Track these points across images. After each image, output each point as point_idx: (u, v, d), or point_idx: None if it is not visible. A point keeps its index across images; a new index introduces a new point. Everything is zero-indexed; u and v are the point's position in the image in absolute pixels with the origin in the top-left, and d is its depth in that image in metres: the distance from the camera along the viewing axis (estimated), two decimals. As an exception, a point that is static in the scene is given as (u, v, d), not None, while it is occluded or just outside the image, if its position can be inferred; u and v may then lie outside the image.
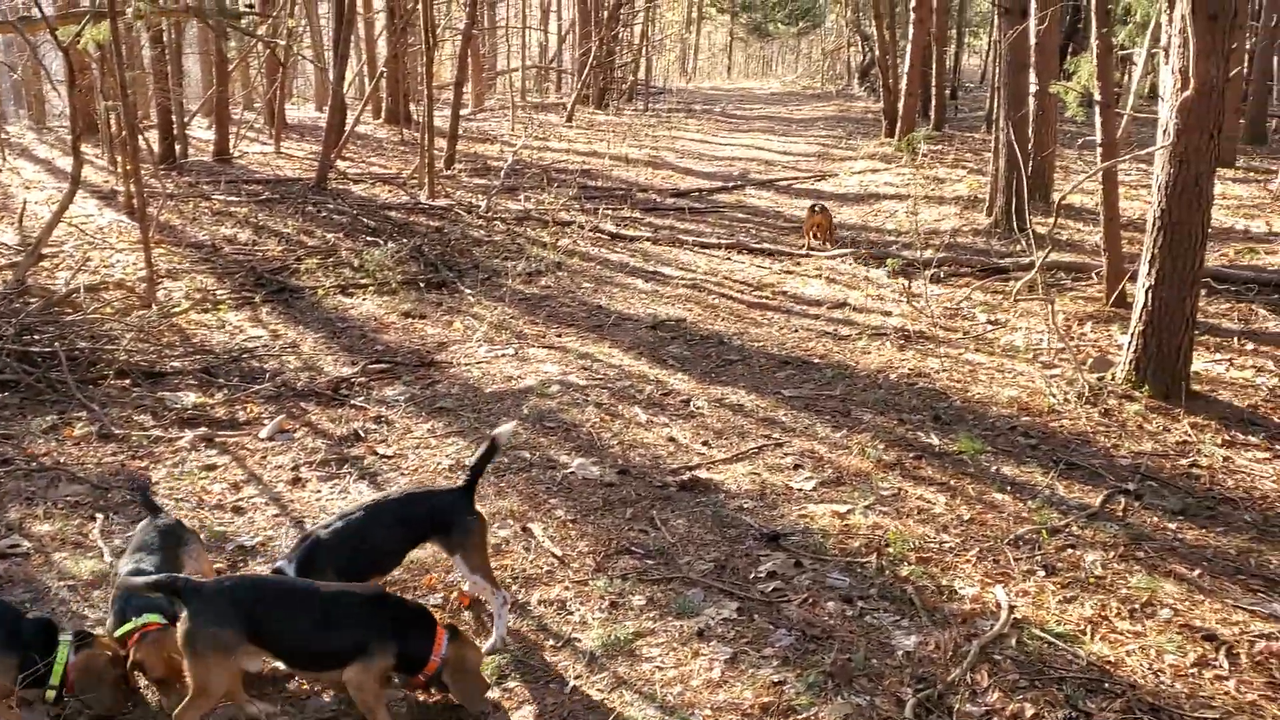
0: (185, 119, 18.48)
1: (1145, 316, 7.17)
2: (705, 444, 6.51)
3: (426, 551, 4.68)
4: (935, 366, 8.04)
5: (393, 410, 6.94)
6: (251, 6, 19.11)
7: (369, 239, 11.87)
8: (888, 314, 9.56)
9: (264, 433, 6.36)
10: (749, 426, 6.80)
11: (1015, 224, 12.17)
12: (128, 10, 9.81)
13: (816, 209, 12.54)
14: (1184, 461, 6.20)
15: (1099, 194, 9.87)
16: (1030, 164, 12.03)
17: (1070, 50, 20.27)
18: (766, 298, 10.34)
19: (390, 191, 15.51)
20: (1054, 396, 7.25)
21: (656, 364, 8.11)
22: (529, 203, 14.77)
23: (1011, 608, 4.51)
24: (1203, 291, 8.99)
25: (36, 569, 4.56)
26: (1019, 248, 11.51)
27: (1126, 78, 21.98)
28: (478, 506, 4.41)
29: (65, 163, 17.23)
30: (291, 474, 5.86)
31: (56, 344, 7.21)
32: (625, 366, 8.03)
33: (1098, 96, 9.33)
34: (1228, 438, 6.56)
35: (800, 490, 5.80)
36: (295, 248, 11.48)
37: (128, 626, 3.70)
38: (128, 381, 7.07)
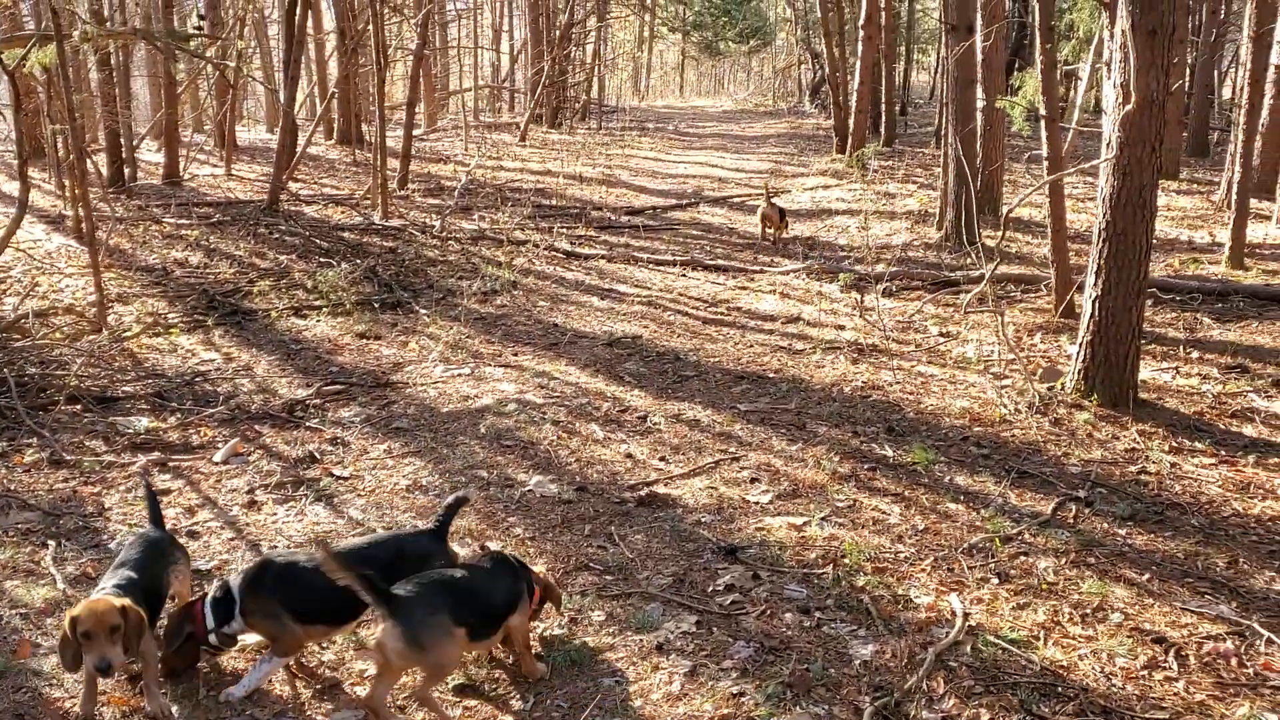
0: (134, 142, 18.31)
1: (1093, 326, 7.30)
2: (663, 459, 6.54)
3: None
4: (888, 379, 8.13)
5: (348, 431, 6.90)
6: (200, 28, 18.97)
7: (322, 260, 11.81)
8: (841, 328, 9.66)
9: (218, 456, 6.30)
10: (706, 441, 6.84)
11: (965, 237, 12.34)
12: (74, 33, 9.71)
13: (771, 200, 13.90)
14: (1133, 468, 6.31)
15: (1046, 207, 10.04)
16: (979, 178, 12.23)
17: (1016, 66, 20.65)
18: (721, 314, 10.41)
19: (343, 212, 15.44)
20: (1005, 407, 7.35)
21: (613, 381, 8.13)
22: (484, 222, 14.77)
23: (966, 615, 4.57)
24: (1149, 302, 9.18)
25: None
26: (969, 261, 11.67)
27: (1072, 93, 22.37)
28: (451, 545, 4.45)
29: (11, 188, 16.97)
30: (247, 497, 5.81)
31: (5, 370, 7.10)
32: (582, 384, 8.04)
33: (1043, 111, 9.51)
34: (1175, 444, 6.69)
35: (757, 503, 5.84)
36: (248, 270, 11.40)
37: None
38: (79, 407, 6.98)
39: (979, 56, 12.41)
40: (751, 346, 9.15)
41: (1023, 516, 5.63)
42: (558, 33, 30.12)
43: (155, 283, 10.62)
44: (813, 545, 5.30)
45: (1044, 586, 4.87)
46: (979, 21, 12.33)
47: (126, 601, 3.68)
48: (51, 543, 5.10)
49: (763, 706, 3.90)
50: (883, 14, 22.20)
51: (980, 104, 12.60)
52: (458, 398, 7.67)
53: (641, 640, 4.39)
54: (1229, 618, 4.59)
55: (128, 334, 8.66)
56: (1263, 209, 14.09)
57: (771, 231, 13.72)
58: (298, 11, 16.37)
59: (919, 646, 4.30)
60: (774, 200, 14.24)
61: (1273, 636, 4.39)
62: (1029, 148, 17.68)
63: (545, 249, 13.21)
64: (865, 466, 6.36)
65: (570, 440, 6.84)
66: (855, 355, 8.75)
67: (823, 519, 5.60)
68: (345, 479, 6.10)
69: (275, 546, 5.25)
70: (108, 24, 14.35)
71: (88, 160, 10.47)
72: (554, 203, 17.09)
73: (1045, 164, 9.40)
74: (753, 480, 6.18)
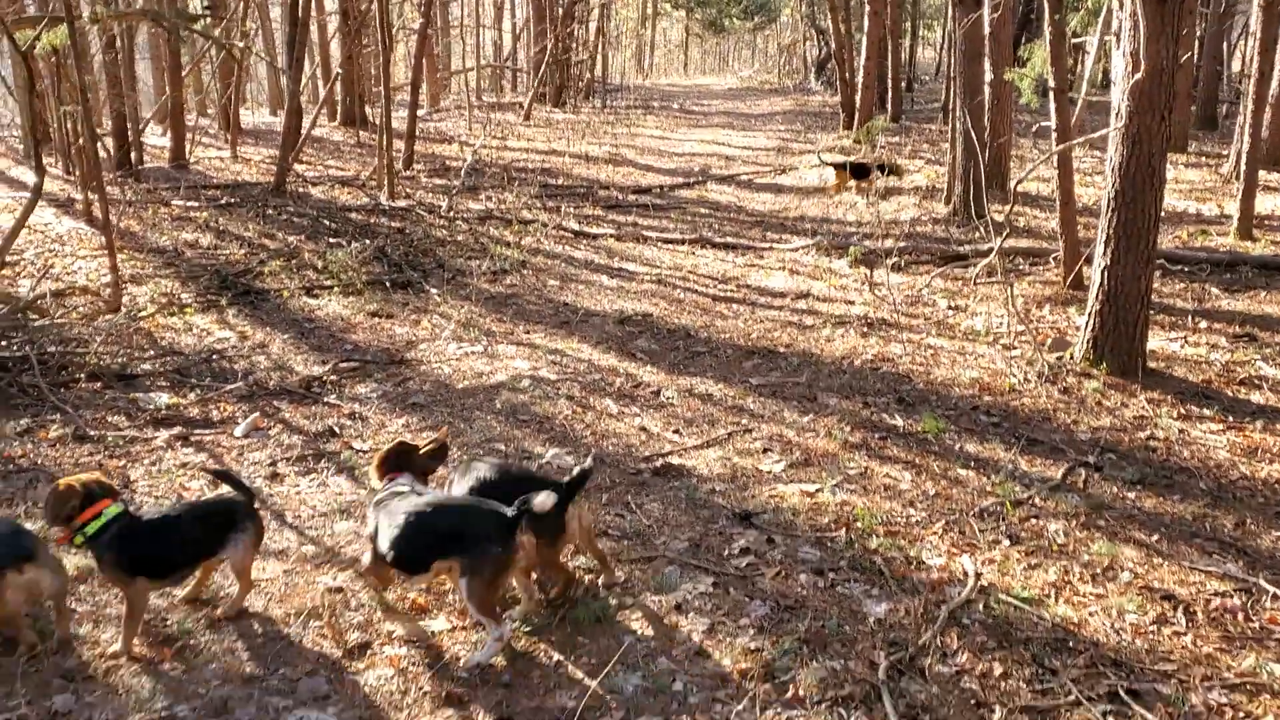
0: (140, 126, 18.33)
1: (1102, 295, 7.36)
2: (676, 432, 6.62)
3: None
4: (898, 352, 8.20)
5: (366, 407, 6.99)
6: (209, 9, 18.98)
7: (331, 241, 11.87)
8: (850, 303, 9.72)
9: (239, 430, 6.39)
10: (718, 414, 6.91)
11: (973, 211, 12.38)
12: (84, 15, 9.76)
13: (844, 167, 15.16)
14: (1141, 435, 6.39)
15: (1054, 181, 10.08)
16: (987, 152, 12.25)
17: (1024, 39, 20.59)
18: (731, 291, 10.47)
19: (350, 194, 15.48)
20: (1014, 376, 7.42)
21: (625, 357, 8.21)
22: (490, 202, 14.82)
23: (978, 575, 4.65)
24: (1157, 273, 9.24)
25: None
26: (977, 235, 11.72)
27: (1080, 66, 22.33)
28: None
29: (16, 172, 17.06)
30: (269, 469, 5.90)
31: (27, 348, 7.19)
32: (595, 361, 8.12)
33: (1051, 82, 9.53)
34: (1183, 411, 6.76)
35: (770, 472, 5.93)
36: (258, 251, 11.46)
37: None
38: (99, 384, 7.07)
39: (986, 29, 12.41)
40: (761, 322, 9.21)
41: (1033, 481, 5.71)
42: (561, 10, 30.06)
43: (168, 264, 10.69)
44: (825, 511, 5.38)
45: (1054, 548, 4.95)
46: (986, -6, 12.33)
47: None
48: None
49: (781, 661, 4.00)
50: (888, -11, 22.17)
51: (988, 77, 12.61)
52: (472, 374, 7.75)
53: (661, 601, 4.48)
54: (1236, 575, 4.67)
55: (143, 313, 8.74)
56: (1271, 180, 14.12)
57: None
58: (303, -7, 16.37)
59: (932, 605, 4.39)
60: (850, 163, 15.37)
61: (1278, 592, 4.47)
62: (1036, 121, 17.68)
63: (553, 228, 13.27)
64: (876, 436, 6.44)
65: (585, 414, 6.92)
66: (865, 329, 8.82)
67: (835, 486, 5.68)
68: (365, 452, 6.18)
69: (299, 517, 5.35)
70: (115, 5, 14.38)
71: (97, 142, 10.51)
72: (561, 182, 17.13)
73: (1054, 135, 9.43)
74: (765, 450, 6.26)
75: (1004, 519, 5.27)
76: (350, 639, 4.20)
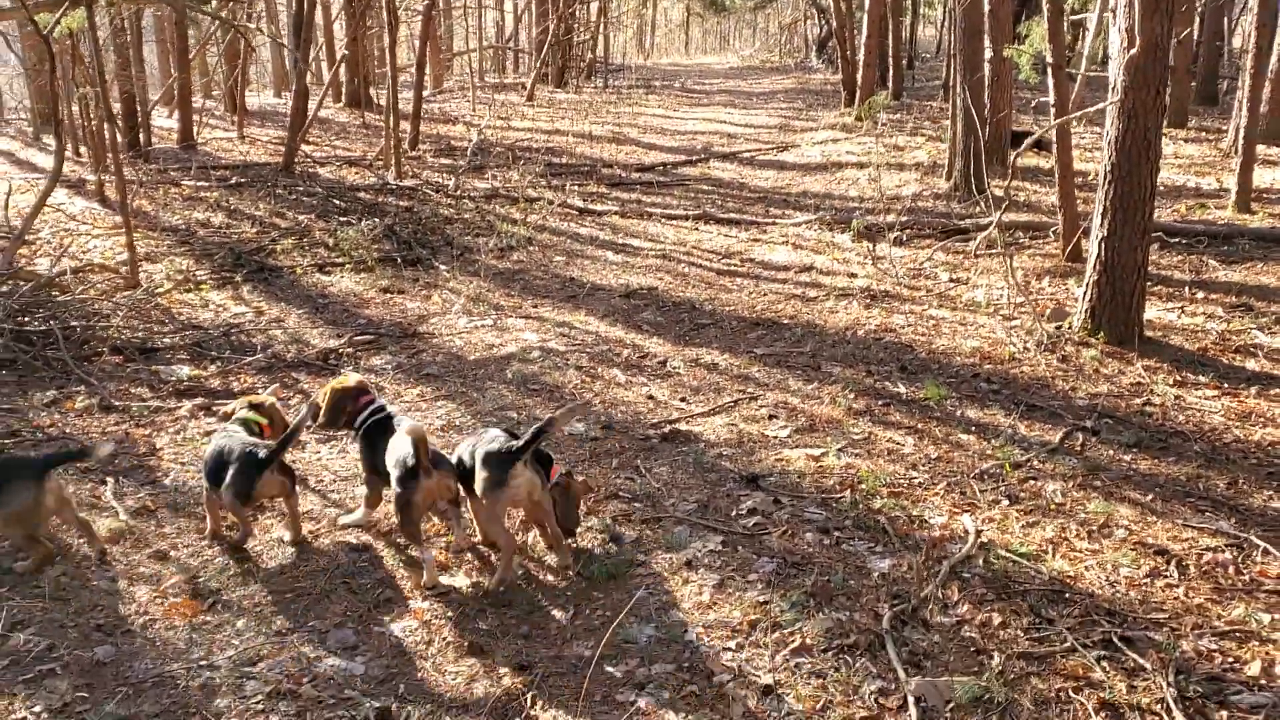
0: (148, 107, 18.45)
1: (1099, 266, 7.52)
2: (683, 400, 6.79)
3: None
4: (901, 322, 8.36)
5: (381, 377, 7.17)
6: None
7: (341, 219, 12.02)
8: (853, 276, 9.87)
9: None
10: (724, 383, 7.08)
11: (974, 186, 12.51)
12: (99, -3, 9.90)
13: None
14: (1138, 400, 6.55)
15: (1054, 155, 10.20)
16: (987, 128, 12.38)
17: (1024, 16, 20.64)
18: (735, 265, 10.62)
19: (357, 173, 15.62)
20: (1014, 346, 7.58)
21: (632, 329, 8.37)
22: (496, 181, 14.94)
23: (978, 532, 4.83)
24: (1156, 245, 9.40)
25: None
26: (978, 209, 11.86)
27: (1080, 42, 22.38)
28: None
29: (26, 154, 17.21)
30: (290, 438, 6.08)
31: (51, 323, 7.37)
32: (602, 333, 8.28)
33: (1049, 58, 9.66)
34: (1179, 378, 6.92)
35: (776, 438, 6.10)
36: (269, 229, 11.62)
37: None
38: (120, 358, 7.24)
39: (986, 7, 12.52)
40: (766, 295, 9.37)
41: (1032, 445, 5.88)
42: (563, -9, 30.06)
43: (181, 242, 10.86)
44: (830, 473, 5.56)
45: (1052, 507, 5.13)
46: (987, -29, 12.42)
47: None
48: (110, 480, 5.37)
49: (788, 613, 4.18)
50: (889, -33, 22.21)
51: (988, 54, 12.72)
52: (483, 346, 7.92)
53: (671, 558, 4.66)
54: (1228, 532, 4.84)
55: (160, 290, 8.91)
56: (1270, 154, 14.23)
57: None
58: (308, -26, 16.47)
59: (934, 560, 4.56)
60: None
61: (1269, 547, 4.64)
62: (1036, 97, 17.79)
63: (559, 206, 13.40)
64: (879, 402, 6.61)
65: (594, 384, 7.09)
66: (868, 301, 8.97)
67: (839, 450, 5.86)
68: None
69: (321, 482, 5.53)
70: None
71: (114, 123, 10.65)
72: (564, 161, 17.25)
73: (1052, 111, 9.56)
74: (771, 417, 6.43)
75: (1003, 480, 5.45)
76: (375, 594, 4.38)
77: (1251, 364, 7.18)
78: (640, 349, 7.85)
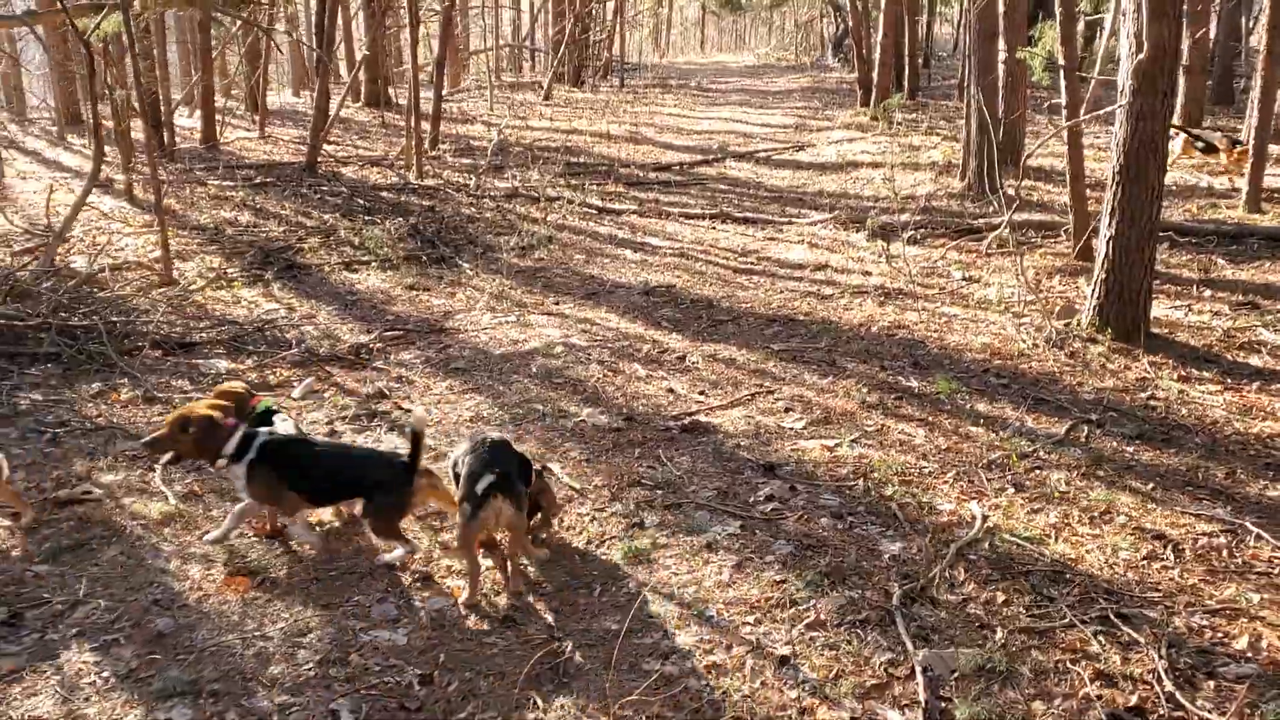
0: (171, 108, 18.80)
1: (1107, 264, 7.74)
2: (702, 393, 7.04)
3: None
4: (913, 319, 8.60)
5: (411, 371, 7.45)
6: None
7: (365, 218, 12.31)
8: (868, 274, 10.10)
9: (296, 393, 6.85)
10: (741, 377, 7.33)
11: (987, 186, 12.70)
12: (135, 1, 10.19)
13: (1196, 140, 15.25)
14: (1142, 395, 6.78)
15: (1066, 156, 10.41)
16: (1000, 129, 12.58)
17: (1039, 18, 20.80)
18: (751, 263, 10.86)
19: (379, 173, 15.92)
20: (1024, 342, 7.81)
21: (651, 326, 8.63)
22: (516, 181, 15.21)
23: (985, 518, 5.07)
24: (1166, 244, 9.61)
25: (110, 512, 5.07)
26: (991, 209, 12.06)
27: (1097, 42, 22.52)
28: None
29: (51, 154, 17.57)
30: (327, 428, 6.36)
31: (94, 318, 7.68)
32: (622, 329, 8.54)
33: (1061, 61, 9.87)
34: (1184, 373, 7.14)
35: (792, 429, 6.35)
36: (295, 228, 11.91)
37: None
38: (160, 352, 7.54)
39: (1001, 9, 12.72)
40: (782, 293, 9.61)
41: (1038, 437, 6.12)
42: (580, -10, 30.29)
43: (210, 240, 11.16)
44: (844, 463, 5.81)
45: (1056, 494, 5.37)
46: (1001, -27, 12.62)
47: None
48: (158, 466, 5.66)
49: (803, 591, 4.44)
50: (905, -33, 22.36)
51: (1002, 56, 12.91)
52: (507, 342, 8.19)
53: (692, 541, 4.92)
54: (1224, 519, 5.08)
55: (194, 286, 9.21)
56: (1280, 154, 14.36)
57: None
58: (332, -24, 16.77)
59: (942, 543, 4.81)
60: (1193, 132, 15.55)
61: (1262, 532, 4.88)
62: (1049, 99, 17.97)
63: (578, 205, 13.66)
64: (892, 396, 6.85)
65: (615, 378, 7.35)
66: (882, 298, 9.21)
67: (853, 441, 6.11)
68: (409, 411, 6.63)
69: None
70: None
71: (154, 125, 10.95)
72: (582, 160, 17.50)
73: (1064, 112, 9.77)
74: (787, 410, 6.68)
75: (1010, 469, 5.69)
76: (412, 573, 4.66)
77: (1255, 360, 7.39)
78: (660, 344, 8.11)
